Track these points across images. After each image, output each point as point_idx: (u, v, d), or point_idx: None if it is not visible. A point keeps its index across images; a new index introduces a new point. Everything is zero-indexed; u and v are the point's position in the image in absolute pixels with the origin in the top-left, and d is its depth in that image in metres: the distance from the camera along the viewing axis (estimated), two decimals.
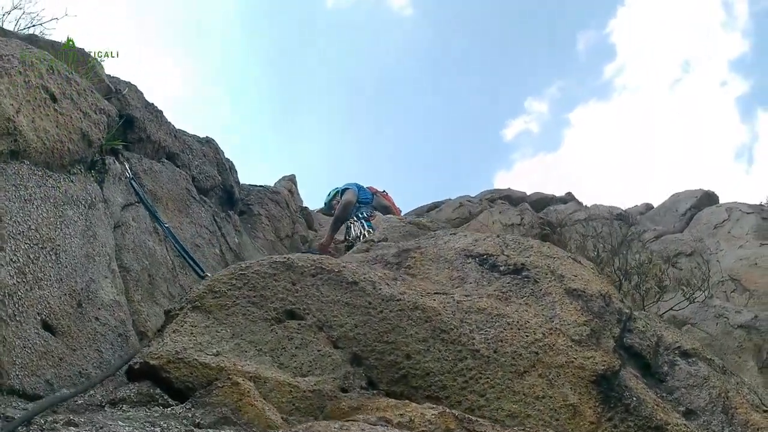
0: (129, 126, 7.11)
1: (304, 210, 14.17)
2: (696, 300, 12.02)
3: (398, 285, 4.53)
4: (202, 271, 6.76)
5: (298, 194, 18.03)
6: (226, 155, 10.04)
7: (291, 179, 18.51)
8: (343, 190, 12.00)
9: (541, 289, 4.97)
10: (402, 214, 15.85)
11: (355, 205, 11.54)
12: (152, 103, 7.95)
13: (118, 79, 7.59)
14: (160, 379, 3.57)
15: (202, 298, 4.09)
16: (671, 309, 12.37)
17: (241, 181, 11.38)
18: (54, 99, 5.39)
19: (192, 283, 6.63)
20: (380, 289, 4.33)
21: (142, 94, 7.83)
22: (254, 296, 4.13)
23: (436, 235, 6.23)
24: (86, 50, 7.32)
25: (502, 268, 5.21)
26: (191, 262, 6.73)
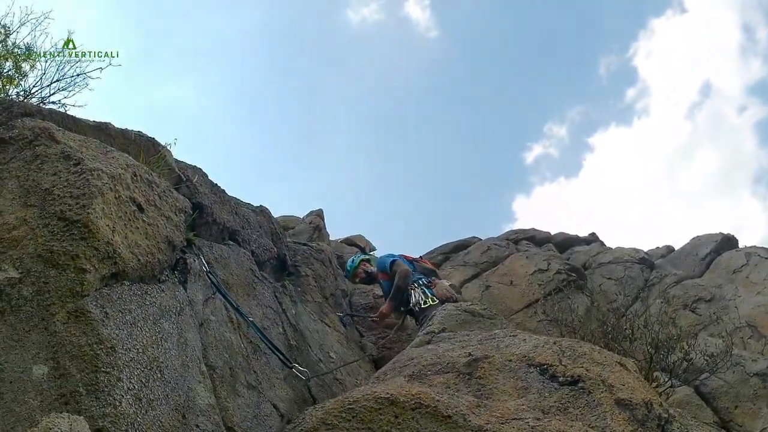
0: (199, 213, 7.43)
1: (340, 258, 14.41)
2: (718, 370, 12.29)
3: (483, 414, 4.95)
4: (290, 362, 7.10)
5: (326, 229, 18.26)
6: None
7: (318, 214, 18.77)
8: (391, 261, 12.25)
9: (594, 400, 5.50)
10: (425, 253, 16.03)
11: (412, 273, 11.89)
12: (216, 184, 8.31)
13: (185, 164, 7.90)
14: None
15: (317, 430, 4.51)
16: (696, 378, 12.65)
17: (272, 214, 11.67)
18: (141, 209, 5.71)
19: (264, 368, 6.96)
20: (470, 420, 4.76)
21: (207, 176, 8.17)
22: (362, 428, 4.59)
23: (497, 337, 6.71)
24: (157, 139, 7.63)
25: (560, 379, 5.77)
26: (280, 356, 7.06)
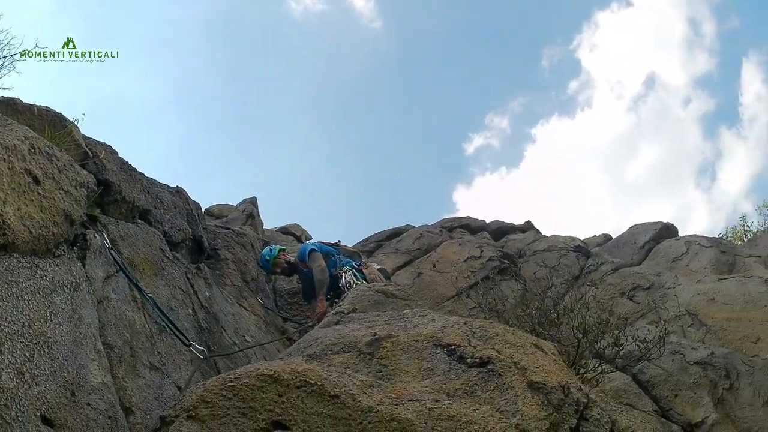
0: (105, 190, 7.24)
1: (267, 244, 14.27)
2: (651, 358, 12.30)
3: (375, 393, 4.75)
4: (187, 339, 6.96)
5: (260, 217, 18.13)
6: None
7: (252, 202, 18.67)
8: (309, 251, 12.11)
9: (504, 383, 5.24)
10: (359, 241, 15.96)
11: (338, 257, 11.90)
12: (127, 162, 8.14)
13: (93, 140, 7.71)
14: None
15: (196, 407, 4.29)
16: (627, 363, 12.64)
17: (202, 202, 11.53)
18: (37, 182, 5.50)
19: (170, 349, 6.80)
20: (359, 400, 4.53)
21: (117, 153, 7.98)
22: (244, 407, 4.34)
23: (405, 317, 6.58)
24: (64, 115, 7.47)
25: (468, 361, 5.50)
26: (177, 333, 6.91)
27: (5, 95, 7.17)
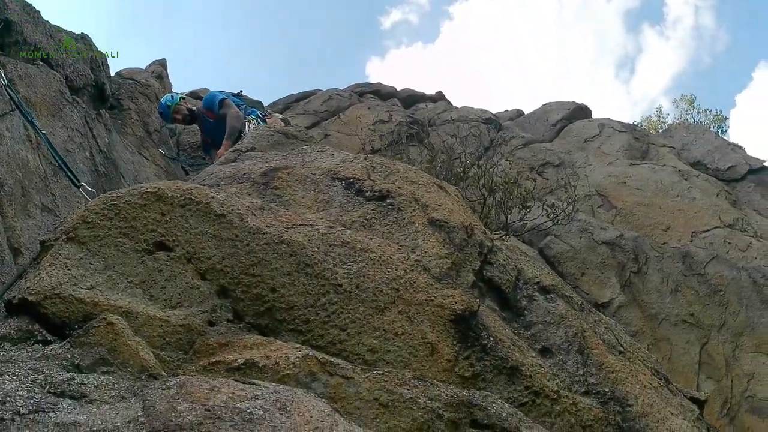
0: (6, 29, 7.05)
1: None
2: (559, 222, 12.40)
3: (265, 216, 4.63)
4: (77, 180, 6.87)
5: (168, 79, 17.93)
6: (99, 37, 10.02)
7: (161, 63, 18.40)
8: (220, 100, 11.94)
9: (404, 218, 5.16)
10: (268, 104, 15.90)
11: (244, 106, 11.90)
12: (30, 4, 7.91)
13: None
14: (39, 315, 3.65)
15: (76, 228, 4.10)
16: (533, 227, 12.75)
17: (112, 66, 11.34)
18: None
19: (64, 191, 6.72)
20: (247, 221, 4.43)
21: None
22: (125, 227, 4.18)
23: (304, 152, 6.44)
24: None
25: (367, 194, 5.39)
26: (68, 173, 6.81)
27: None
